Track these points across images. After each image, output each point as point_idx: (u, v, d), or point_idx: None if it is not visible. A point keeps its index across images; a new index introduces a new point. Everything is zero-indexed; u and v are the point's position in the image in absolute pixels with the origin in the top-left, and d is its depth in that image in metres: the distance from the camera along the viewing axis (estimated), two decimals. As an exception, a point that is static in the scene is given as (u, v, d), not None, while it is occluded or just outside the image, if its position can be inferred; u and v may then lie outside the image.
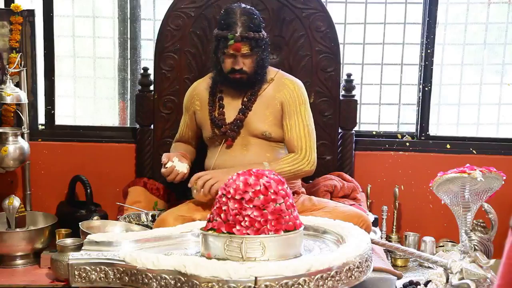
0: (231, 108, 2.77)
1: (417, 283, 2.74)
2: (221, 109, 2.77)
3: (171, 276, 1.82)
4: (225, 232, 1.95)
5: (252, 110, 2.75)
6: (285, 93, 2.76)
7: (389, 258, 3.11)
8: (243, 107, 2.75)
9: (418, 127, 3.61)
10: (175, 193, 3.25)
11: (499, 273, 1.26)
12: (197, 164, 2.90)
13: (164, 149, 3.31)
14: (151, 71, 3.35)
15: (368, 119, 3.71)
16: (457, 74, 3.68)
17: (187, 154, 2.82)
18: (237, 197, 1.96)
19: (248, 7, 2.73)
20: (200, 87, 2.88)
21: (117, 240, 2.13)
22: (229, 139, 2.75)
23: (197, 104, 2.86)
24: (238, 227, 1.94)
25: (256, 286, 1.74)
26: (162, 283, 1.84)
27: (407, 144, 3.58)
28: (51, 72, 3.58)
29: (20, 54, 3.38)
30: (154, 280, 1.85)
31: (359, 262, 1.94)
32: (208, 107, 2.81)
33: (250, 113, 2.75)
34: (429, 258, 2.55)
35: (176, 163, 2.69)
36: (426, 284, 2.65)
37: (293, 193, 2.81)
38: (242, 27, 2.61)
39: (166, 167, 2.68)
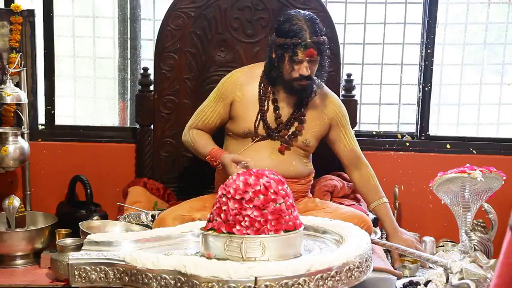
0: (284, 113, 2.77)
1: (417, 283, 2.74)
2: (277, 111, 2.76)
3: (171, 276, 1.82)
4: (225, 232, 1.95)
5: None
6: (334, 110, 2.86)
7: (389, 258, 3.11)
8: (301, 117, 2.78)
9: (418, 127, 3.61)
10: (175, 193, 3.26)
11: (497, 272, 1.26)
12: (187, 178, 2.91)
13: (164, 149, 3.32)
14: (151, 71, 3.35)
15: (368, 119, 3.70)
16: (457, 74, 3.67)
17: None
18: (237, 197, 1.96)
19: (308, 12, 2.73)
20: (244, 79, 2.81)
21: (117, 240, 2.13)
22: (284, 145, 2.76)
23: (238, 95, 2.78)
24: (238, 227, 1.94)
25: (256, 286, 1.74)
26: (162, 283, 1.84)
27: (407, 144, 3.58)
28: (51, 72, 3.58)
29: (20, 54, 3.38)
30: (154, 280, 1.85)
31: (359, 262, 1.94)
32: (258, 105, 2.76)
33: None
34: (429, 258, 2.55)
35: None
36: (426, 284, 2.65)
37: (303, 196, 2.84)
38: (310, 33, 2.61)
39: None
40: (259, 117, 2.76)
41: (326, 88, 2.90)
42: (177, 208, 2.70)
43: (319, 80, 2.79)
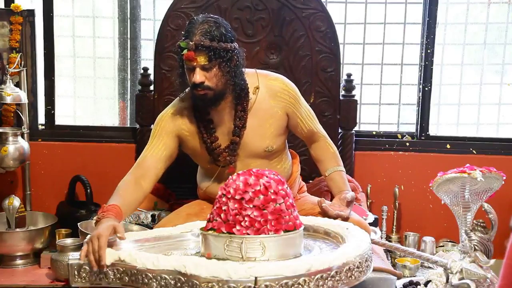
0: (223, 130, 2.48)
1: (417, 283, 2.74)
2: (213, 134, 2.47)
3: (171, 276, 1.82)
4: (225, 232, 1.95)
5: (248, 128, 2.46)
6: (282, 97, 2.50)
7: (389, 258, 3.11)
8: (236, 128, 2.45)
9: (418, 127, 3.61)
10: (175, 193, 3.25)
11: (501, 274, 1.26)
12: (187, 178, 2.85)
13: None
14: (151, 71, 3.36)
15: (368, 119, 3.71)
16: (457, 74, 3.68)
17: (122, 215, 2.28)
18: (237, 197, 1.96)
19: (216, 17, 2.38)
20: (181, 112, 2.49)
21: (116, 240, 2.13)
22: (230, 166, 2.48)
23: (184, 129, 2.48)
24: (238, 227, 1.94)
25: (256, 286, 1.74)
26: (162, 283, 1.83)
27: (407, 144, 3.58)
28: (51, 72, 3.59)
29: (20, 54, 3.38)
30: (154, 280, 1.85)
31: (359, 262, 1.94)
32: (198, 134, 2.48)
33: (245, 132, 2.46)
34: (429, 258, 2.55)
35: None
36: (426, 284, 2.65)
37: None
38: (198, 35, 2.27)
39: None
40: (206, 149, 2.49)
41: (269, 75, 2.56)
42: (174, 217, 2.59)
43: (256, 70, 2.52)
